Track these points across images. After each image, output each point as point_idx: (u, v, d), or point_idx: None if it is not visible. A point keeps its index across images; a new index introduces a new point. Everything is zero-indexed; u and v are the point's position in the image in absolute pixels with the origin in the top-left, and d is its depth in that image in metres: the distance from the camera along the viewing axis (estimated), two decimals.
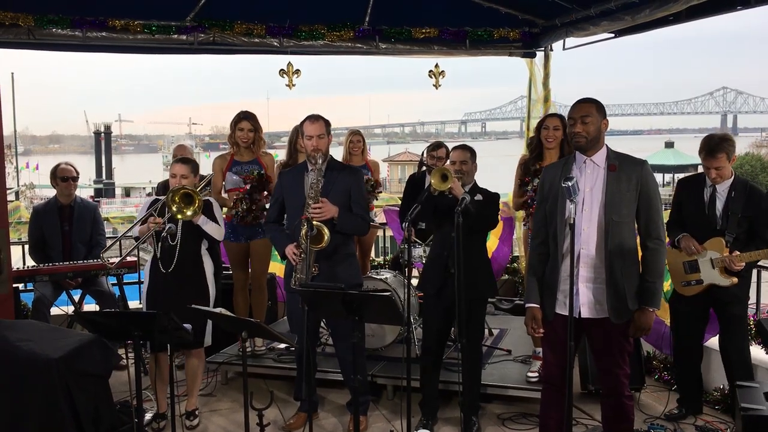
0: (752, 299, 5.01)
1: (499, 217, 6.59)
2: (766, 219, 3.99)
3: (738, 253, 4.00)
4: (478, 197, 4.06)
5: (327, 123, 4.13)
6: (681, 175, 4.58)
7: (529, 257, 3.63)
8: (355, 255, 4.42)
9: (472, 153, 4.22)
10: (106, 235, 5.94)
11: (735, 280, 4.04)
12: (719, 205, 4.10)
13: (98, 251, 5.61)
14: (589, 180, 3.27)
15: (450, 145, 4.92)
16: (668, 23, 5.47)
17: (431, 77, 7.04)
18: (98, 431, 3.72)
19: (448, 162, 4.30)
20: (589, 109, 3.26)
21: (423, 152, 5.71)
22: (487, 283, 4.24)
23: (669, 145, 53.80)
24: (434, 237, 4.32)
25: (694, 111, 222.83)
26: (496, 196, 4.21)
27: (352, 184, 4.16)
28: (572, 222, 3.08)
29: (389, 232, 7.35)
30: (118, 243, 6.15)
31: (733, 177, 4.11)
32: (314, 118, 4.11)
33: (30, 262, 5.67)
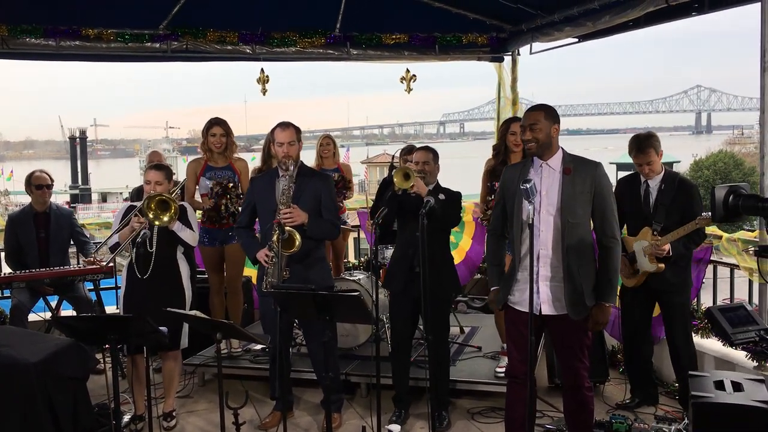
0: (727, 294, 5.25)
1: (472, 217, 6.80)
2: (692, 207, 4.21)
3: (658, 237, 4.23)
4: (441, 197, 4.20)
5: (297, 130, 4.25)
6: None
7: (487, 248, 3.79)
8: (326, 258, 4.54)
9: (435, 154, 4.37)
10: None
11: (661, 266, 4.25)
12: (652, 200, 4.35)
13: (87, 249, 5.72)
14: (545, 183, 3.42)
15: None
16: (628, 28, 5.67)
17: (402, 82, 7.19)
18: None
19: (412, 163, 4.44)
20: (537, 116, 3.42)
21: (394, 155, 5.85)
22: (450, 282, 4.39)
23: None
24: (399, 236, 4.44)
25: (668, 109, 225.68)
26: (458, 194, 4.35)
27: (322, 189, 4.27)
28: (531, 223, 3.23)
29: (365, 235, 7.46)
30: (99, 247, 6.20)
31: (663, 172, 4.35)
32: (285, 126, 4.22)
33: (6, 270, 5.71)
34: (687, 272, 4.44)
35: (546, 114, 3.43)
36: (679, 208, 4.23)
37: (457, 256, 6.70)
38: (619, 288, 4.80)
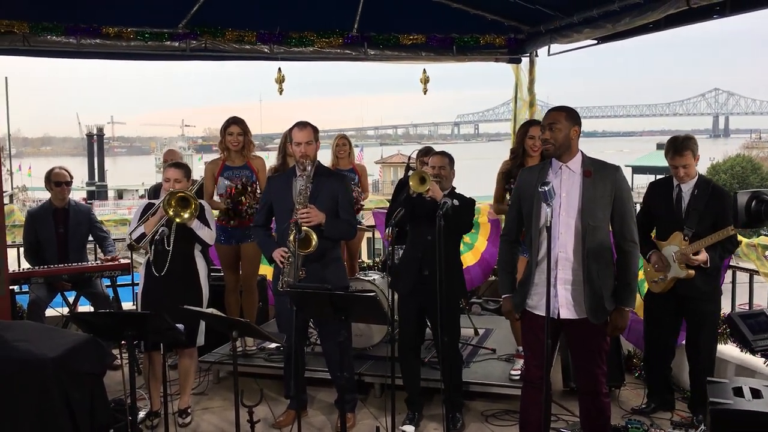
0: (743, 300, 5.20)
1: (487, 218, 6.78)
2: (725, 213, 4.14)
3: (689, 243, 4.15)
4: (455, 202, 4.19)
5: (315, 130, 4.26)
6: None
7: (500, 254, 3.77)
8: (341, 258, 4.55)
9: (451, 159, 4.37)
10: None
11: (691, 273, 4.18)
12: (684, 204, 4.27)
13: (107, 244, 5.81)
14: (565, 185, 3.40)
15: (443, 148, 5.05)
16: (648, 31, 5.60)
17: (421, 83, 7.17)
18: (93, 428, 3.82)
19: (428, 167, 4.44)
20: (558, 116, 3.39)
21: (410, 156, 5.85)
22: (459, 285, 4.40)
23: (661, 146, 54.00)
24: (409, 238, 4.41)
25: (686, 112, 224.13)
26: (472, 201, 4.36)
27: (339, 190, 4.28)
28: (549, 226, 3.21)
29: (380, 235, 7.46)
30: (116, 243, 6.25)
31: (697, 177, 4.27)
32: (302, 125, 4.23)
33: (25, 265, 5.77)
34: (718, 280, 4.35)
35: (567, 115, 3.40)
36: (712, 214, 4.15)
37: (472, 257, 6.70)
38: (644, 292, 4.78)
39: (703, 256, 4.12)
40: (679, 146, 4.20)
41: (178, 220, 4.22)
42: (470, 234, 6.34)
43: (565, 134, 3.38)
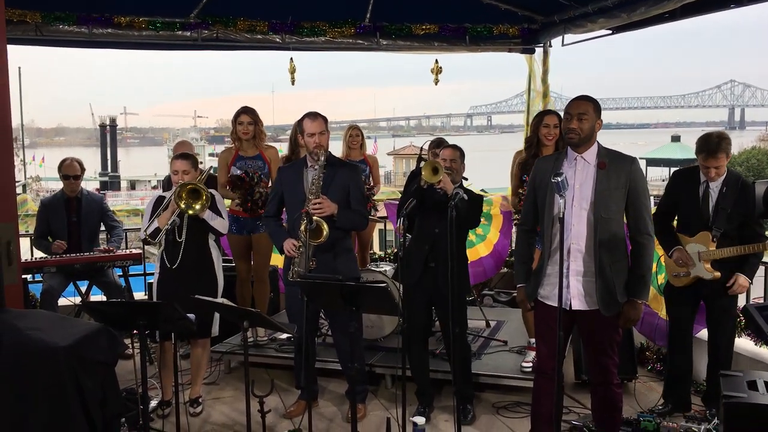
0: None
1: (500, 210, 6.75)
2: (754, 213, 4.06)
3: (715, 246, 4.09)
4: (465, 196, 4.16)
5: (325, 119, 4.25)
6: None
7: (516, 244, 3.74)
8: (353, 249, 4.54)
9: (461, 153, 4.35)
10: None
11: (717, 274, 4.10)
12: (711, 202, 4.13)
13: (115, 233, 5.80)
14: (579, 176, 3.36)
15: (455, 139, 5.02)
16: (664, 20, 5.55)
17: (433, 73, 7.13)
18: (105, 416, 3.83)
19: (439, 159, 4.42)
20: (587, 107, 3.35)
21: (422, 147, 5.82)
22: (465, 278, 4.39)
23: (675, 138, 53.82)
24: (416, 230, 4.37)
25: (701, 104, 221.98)
26: (481, 198, 4.34)
27: (351, 180, 4.26)
28: (562, 217, 3.18)
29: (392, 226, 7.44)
30: (125, 234, 6.26)
31: (726, 173, 4.12)
32: (313, 116, 4.22)
33: (37, 254, 5.81)
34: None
35: (595, 107, 3.37)
36: (741, 214, 4.01)
37: (485, 248, 6.67)
38: (656, 285, 4.72)
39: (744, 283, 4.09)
40: (714, 148, 3.99)
41: (190, 212, 4.22)
42: (483, 225, 6.32)
43: (591, 125, 3.34)
